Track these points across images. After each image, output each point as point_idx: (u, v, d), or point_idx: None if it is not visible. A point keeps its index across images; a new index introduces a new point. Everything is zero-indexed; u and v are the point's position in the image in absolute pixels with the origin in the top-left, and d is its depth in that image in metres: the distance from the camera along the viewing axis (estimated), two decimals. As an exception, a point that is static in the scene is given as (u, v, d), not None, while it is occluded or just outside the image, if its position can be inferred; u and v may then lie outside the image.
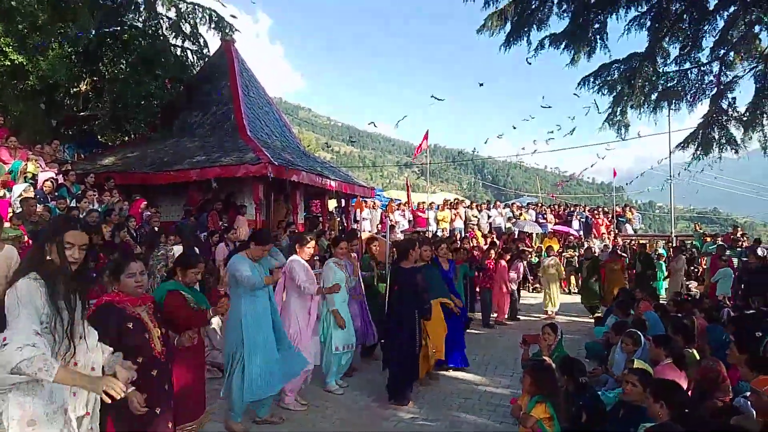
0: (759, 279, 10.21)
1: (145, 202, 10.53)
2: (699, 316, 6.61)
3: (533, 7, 9.78)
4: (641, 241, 14.57)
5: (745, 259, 11.25)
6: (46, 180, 8.93)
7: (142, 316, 3.02)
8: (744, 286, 10.09)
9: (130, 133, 15.08)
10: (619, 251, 12.76)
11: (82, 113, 14.41)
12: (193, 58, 16.08)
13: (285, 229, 11.50)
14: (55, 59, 12.51)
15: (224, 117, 13.43)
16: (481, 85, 14.40)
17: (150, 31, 14.53)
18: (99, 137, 15.56)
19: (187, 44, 15.66)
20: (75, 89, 14.21)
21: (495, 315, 10.65)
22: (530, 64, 10.06)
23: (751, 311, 7.83)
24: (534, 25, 9.98)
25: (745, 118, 9.88)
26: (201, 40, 15.77)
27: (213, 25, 14.71)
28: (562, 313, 11.86)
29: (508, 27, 10.04)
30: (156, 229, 8.72)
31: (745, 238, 14.26)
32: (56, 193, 8.91)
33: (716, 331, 6.12)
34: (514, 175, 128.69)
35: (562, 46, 10.07)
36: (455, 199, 19.90)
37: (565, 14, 9.98)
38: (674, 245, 14.25)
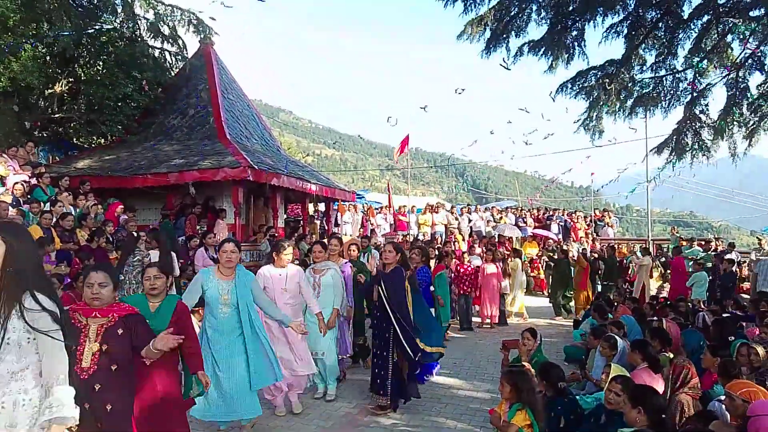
0: (730, 283, 10.45)
1: (121, 206, 10.36)
2: (669, 320, 6.70)
3: (512, 14, 9.88)
4: (610, 245, 14.77)
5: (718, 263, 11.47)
6: (17, 183, 8.73)
7: (88, 327, 2.85)
8: (718, 291, 10.31)
9: (106, 136, 14.82)
10: (587, 255, 12.93)
11: (56, 115, 14.11)
12: (172, 60, 15.88)
13: (265, 233, 11.41)
14: (28, 61, 12.24)
15: (203, 120, 13.29)
16: (460, 92, 14.42)
17: (127, 33, 14.31)
18: (74, 140, 15.26)
19: (165, 46, 15.46)
20: (50, 91, 13.91)
21: (485, 319, 10.76)
22: (509, 69, 10.13)
23: (726, 315, 7.99)
24: (513, 32, 10.07)
25: (716, 125, 10.11)
26: (180, 42, 15.58)
27: (192, 28, 14.54)
28: (541, 316, 11.97)
29: (488, 33, 10.11)
30: (135, 234, 8.57)
31: (719, 243, 14.54)
32: (29, 196, 8.73)
33: (692, 335, 6.21)
34: (494, 178, 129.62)
35: (541, 52, 10.18)
36: (436, 203, 19.97)
37: (543, 21, 10.12)
38: (642, 247, 14.54)
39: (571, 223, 19.16)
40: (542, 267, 15.85)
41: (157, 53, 15.29)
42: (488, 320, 10.74)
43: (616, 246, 14.82)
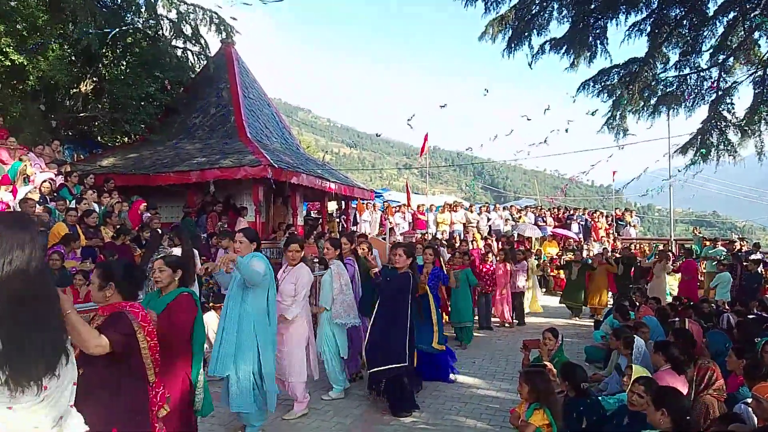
0: (755, 284, 10.26)
1: (145, 203, 10.52)
2: (693, 321, 6.61)
3: (533, 12, 9.81)
4: (625, 246, 14.58)
5: (746, 263, 11.27)
6: (45, 181, 8.92)
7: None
8: (734, 291, 10.16)
9: (129, 135, 15.08)
10: (606, 256, 12.79)
11: (81, 114, 14.39)
12: (194, 59, 16.08)
13: (285, 231, 11.50)
14: (55, 60, 12.51)
15: (224, 119, 13.44)
16: (486, 92, 14.44)
17: (150, 33, 14.53)
18: (98, 138, 15.55)
19: (187, 45, 15.66)
20: (75, 90, 14.20)
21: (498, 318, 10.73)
22: (531, 68, 10.07)
23: (751, 316, 7.86)
24: (534, 30, 10.01)
25: (743, 124, 9.92)
26: (202, 42, 15.76)
27: (213, 27, 14.70)
28: (560, 316, 11.87)
29: (509, 32, 10.05)
30: (159, 231, 8.69)
31: (743, 243, 14.28)
32: (56, 194, 8.91)
33: (717, 337, 6.12)
34: (512, 177, 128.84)
35: (563, 50, 10.09)
36: (454, 202, 19.93)
37: (565, 19, 10.02)
38: (659, 249, 14.37)
39: (592, 222, 18.96)
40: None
41: (179, 53, 15.49)
42: (502, 320, 10.73)
43: (632, 247, 14.61)
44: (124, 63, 14.49)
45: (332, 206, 17.75)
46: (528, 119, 11.14)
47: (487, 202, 21.68)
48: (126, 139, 15.31)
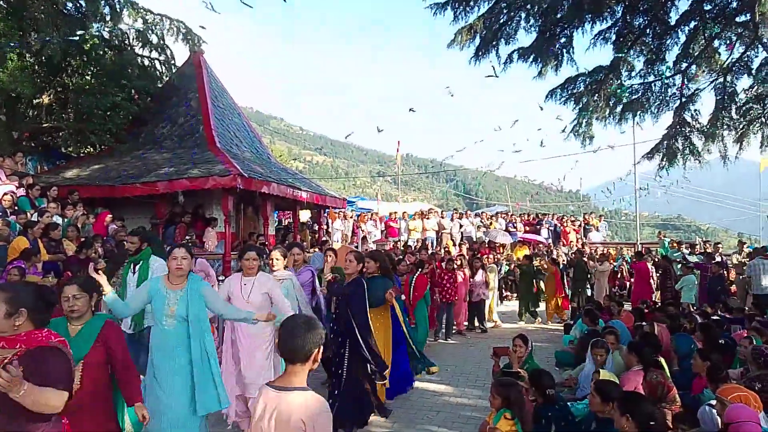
0: (718, 286, 10.50)
1: (110, 215, 10.28)
2: (660, 324, 6.73)
3: (501, 21, 9.94)
4: (578, 249, 14.84)
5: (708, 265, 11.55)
6: (5, 194, 8.65)
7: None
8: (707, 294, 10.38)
9: (95, 145, 14.73)
10: (556, 260, 13.05)
11: (45, 125, 14.01)
12: (161, 68, 15.84)
13: (255, 241, 11.36)
14: (16, 70, 12.16)
15: (193, 128, 13.23)
16: (451, 95, 14.47)
17: (116, 42, 14.25)
18: (63, 149, 15.16)
19: (154, 55, 15.42)
20: (38, 100, 13.82)
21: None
22: (497, 77, 10.18)
23: (715, 317, 8.05)
24: (502, 39, 10.15)
25: (706, 130, 10.20)
26: (168, 51, 15.56)
27: (181, 37, 14.52)
28: (531, 321, 11.96)
29: (478, 41, 10.17)
30: (125, 244, 8.47)
31: (707, 245, 14.65)
32: (17, 207, 8.65)
33: (683, 340, 6.24)
34: (485, 184, 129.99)
35: (530, 59, 10.25)
36: (429, 209, 20.00)
37: (532, 29, 10.19)
38: (602, 252, 14.72)
39: (561, 227, 19.25)
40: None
41: (146, 62, 15.25)
42: (459, 328, 10.65)
43: (586, 251, 14.86)
44: (89, 73, 14.16)
45: (304, 215, 17.64)
46: (499, 129, 11.26)
47: (456, 209, 21.83)
48: (92, 150, 14.95)
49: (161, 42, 14.97)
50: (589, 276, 12.19)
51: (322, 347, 2.31)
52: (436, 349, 9.08)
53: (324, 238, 14.72)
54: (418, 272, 8.96)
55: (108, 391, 3.18)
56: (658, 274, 12.71)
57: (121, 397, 3.29)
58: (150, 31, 14.41)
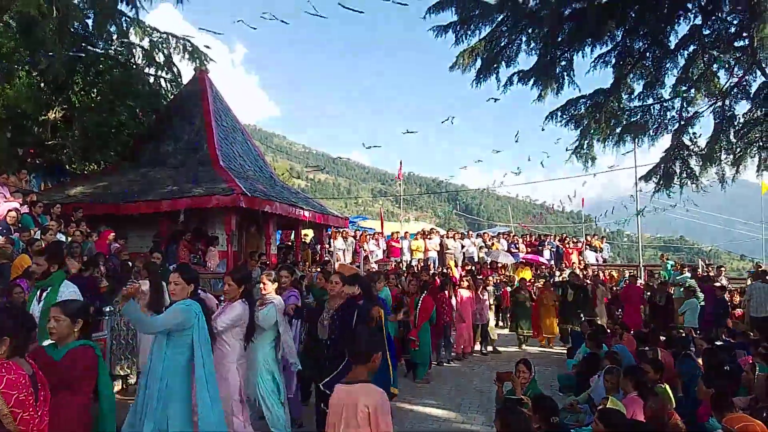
0: (721, 309, 10.42)
1: (113, 234, 10.30)
2: (663, 349, 6.69)
3: (502, 44, 10.05)
4: (575, 272, 14.75)
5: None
6: (9, 211, 8.68)
7: None
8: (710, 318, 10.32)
9: (100, 163, 14.83)
10: (552, 282, 12.96)
11: (50, 142, 14.13)
12: (167, 86, 16.02)
13: (257, 260, 11.35)
14: (23, 87, 12.31)
15: (196, 147, 13.33)
16: (452, 120, 14.39)
17: (122, 60, 14.44)
18: (68, 166, 15.26)
19: (160, 73, 15.60)
20: (43, 117, 13.96)
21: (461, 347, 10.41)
22: (497, 101, 10.28)
23: (719, 343, 7.98)
24: (503, 62, 10.25)
25: (704, 153, 10.24)
26: (175, 70, 15.73)
27: (187, 55, 14.71)
28: (534, 344, 11.88)
29: (479, 63, 10.27)
30: (129, 263, 8.49)
31: (710, 268, 14.61)
32: (20, 224, 8.67)
33: (688, 364, 6.19)
34: (486, 203, 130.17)
35: (531, 82, 10.34)
36: (431, 229, 20.00)
37: (533, 51, 10.28)
38: (594, 275, 14.60)
39: (563, 249, 19.22)
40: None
41: (151, 80, 15.42)
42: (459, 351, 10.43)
43: (582, 273, 14.79)
44: (95, 91, 14.33)
45: (307, 234, 17.64)
46: (497, 152, 11.36)
47: (451, 228, 21.84)
48: (96, 167, 15.05)
49: (168, 60, 15.14)
50: (585, 298, 12.07)
51: (380, 354, 3.06)
52: (436, 371, 9.00)
53: (326, 258, 14.71)
54: (424, 294, 8.93)
55: (77, 415, 3.02)
56: (657, 299, 12.38)
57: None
58: (156, 50, 14.59)
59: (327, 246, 16.11)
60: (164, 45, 14.94)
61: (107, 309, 6.29)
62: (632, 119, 10.79)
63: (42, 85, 13.55)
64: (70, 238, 9.16)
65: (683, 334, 8.99)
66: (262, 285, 5.38)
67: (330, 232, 16.34)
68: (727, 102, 10.15)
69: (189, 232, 11.36)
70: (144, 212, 11.29)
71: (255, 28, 10.49)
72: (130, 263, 8.34)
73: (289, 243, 16.03)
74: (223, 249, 11.44)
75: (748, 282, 12.98)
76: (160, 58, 15.22)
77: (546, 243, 19.47)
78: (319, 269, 11.47)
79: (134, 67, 14.69)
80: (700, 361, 6.49)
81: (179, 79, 15.77)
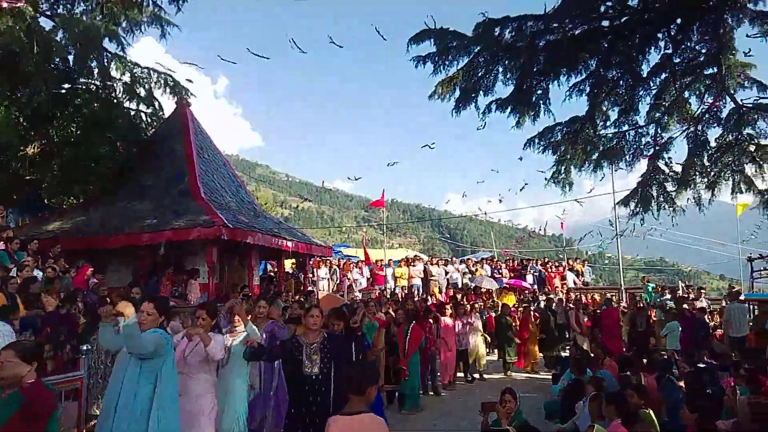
0: (702, 332, 10.54)
1: (91, 269, 10.14)
2: (647, 374, 6.71)
3: (479, 74, 10.27)
4: (550, 296, 14.91)
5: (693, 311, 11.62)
6: (-16, 248, 8.53)
7: None
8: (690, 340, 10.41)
9: (79, 197, 14.67)
10: (534, 308, 13.09)
11: (28, 177, 13.97)
12: (147, 120, 15.99)
13: (239, 292, 11.24)
14: (2, 122, 12.21)
15: (178, 179, 13.25)
16: (431, 146, 14.49)
17: (103, 95, 14.42)
18: (46, 200, 15.07)
19: (141, 107, 15.59)
20: (22, 152, 13.83)
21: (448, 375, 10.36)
22: (479, 129, 10.46)
23: (701, 365, 8.04)
24: (481, 91, 10.45)
25: (680, 177, 10.49)
26: (156, 104, 15.74)
27: (168, 89, 14.75)
28: (520, 370, 11.85)
29: (458, 92, 10.47)
30: (107, 299, 8.33)
31: (690, 291, 14.79)
32: (-4, 262, 8.50)
33: (670, 388, 6.22)
34: (470, 228, 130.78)
35: (508, 110, 10.55)
36: (415, 256, 20.02)
37: (509, 81, 10.51)
38: (576, 299, 14.73)
39: (546, 273, 19.35)
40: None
41: (132, 114, 15.40)
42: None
43: (565, 297, 14.93)
44: (75, 124, 14.25)
45: (289, 264, 17.54)
46: (480, 182, 11.54)
47: (434, 255, 21.90)
48: (75, 201, 14.87)
49: (149, 94, 15.16)
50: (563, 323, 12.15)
51: (376, 386, 3.26)
52: (422, 401, 8.90)
53: (309, 288, 14.62)
54: (413, 323, 8.90)
55: None
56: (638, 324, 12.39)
57: None
58: (138, 84, 14.61)
59: (310, 275, 16.01)
60: (145, 80, 14.98)
61: (84, 347, 6.15)
62: (608, 145, 11.04)
63: (21, 119, 13.44)
64: (46, 274, 9.01)
65: (665, 357, 9.04)
66: (233, 316, 5.34)
67: (313, 261, 16.26)
68: (699, 127, 10.43)
69: (171, 265, 11.23)
70: (124, 245, 11.14)
71: (235, 63, 10.63)
72: (107, 299, 8.19)
73: (272, 274, 15.90)
74: (204, 281, 11.32)
75: (724, 303, 13.18)
76: (140, 92, 15.24)
77: (529, 267, 19.60)
78: (302, 299, 11.41)
79: (115, 101, 14.67)
80: (682, 384, 6.53)
81: (160, 113, 15.77)
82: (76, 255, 10.84)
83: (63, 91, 12.64)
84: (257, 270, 14.32)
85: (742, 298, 11.82)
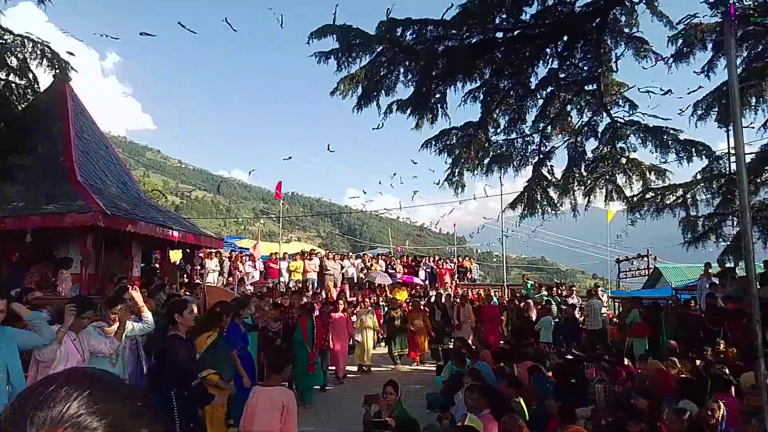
0: (573, 326, 11.46)
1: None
2: (522, 365, 7.18)
3: (381, 74, 10.38)
4: (441, 292, 15.72)
5: (564, 307, 12.60)
6: None
7: None
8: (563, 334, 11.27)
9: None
10: (423, 303, 13.71)
11: None
12: (19, 92, 14.42)
13: (116, 283, 10.51)
14: None
15: (53, 160, 12.12)
16: (329, 148, 14.56)
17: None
18: None
19: (12, 78, 14.01)
20: None
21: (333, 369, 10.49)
22: (378, 128, 10.58)
23: (569, 357, 8.74)
24: (383, 91, 10.57)
25: (560, 184, 11.31)
26: (30, 75, 14.23)
27: (46, 62, 13.38)
28: (407, 363, 12.19)
29: (360, 90, 10.52)
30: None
31: (564, 288, 16.01)
32: None
33: (541, 380, 6.68)
34: (369, 224, 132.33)
35: (408, 111, 10.78)
36: (311, 250, 19.89)
37: (410, 83, 10.73)
38: (462, 295, 15.63)
39: (437, 269, 20.06)
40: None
41: (1, 85, 13.81)
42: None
43: (453, 293, 15.71)
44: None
45: (177, 255, 16.70)
46: (380, 183, 11.74)
47: (331, 250, 21.98)
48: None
49: (22, 65, 13.68)
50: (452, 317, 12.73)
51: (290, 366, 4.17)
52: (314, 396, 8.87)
53: (196, 280, 14.02)
54: (314, 316, 8.93)
55: None
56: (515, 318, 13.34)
57: None
58: (9, 53, 13.13)
59: (198, 267, 15.36)
60: (18, 49, 13.48)
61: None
62: (498, 151, 11.64)
63: None
64: None
65: (537, 349, 9.72)
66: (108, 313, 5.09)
67: (202, 253, 15.61)
68: (578, 139, 11.32)
69: (40, 253, 10.26)
70: (-16, 232, 10.00)
71: (118, 38, 9.89)
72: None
73: (156, 265, 15.04)
74: (77, 272, 10.45)
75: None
76: (12, 62, 13.69)
77: (422, 264, 20.21)
78: (188, 291, 10.93)
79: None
80: (551, 374, 7.06)
81: (35, 86, 14.28)
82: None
83: None
84: (138, 261, 13.46)
85: (600, 294, 13.05)
